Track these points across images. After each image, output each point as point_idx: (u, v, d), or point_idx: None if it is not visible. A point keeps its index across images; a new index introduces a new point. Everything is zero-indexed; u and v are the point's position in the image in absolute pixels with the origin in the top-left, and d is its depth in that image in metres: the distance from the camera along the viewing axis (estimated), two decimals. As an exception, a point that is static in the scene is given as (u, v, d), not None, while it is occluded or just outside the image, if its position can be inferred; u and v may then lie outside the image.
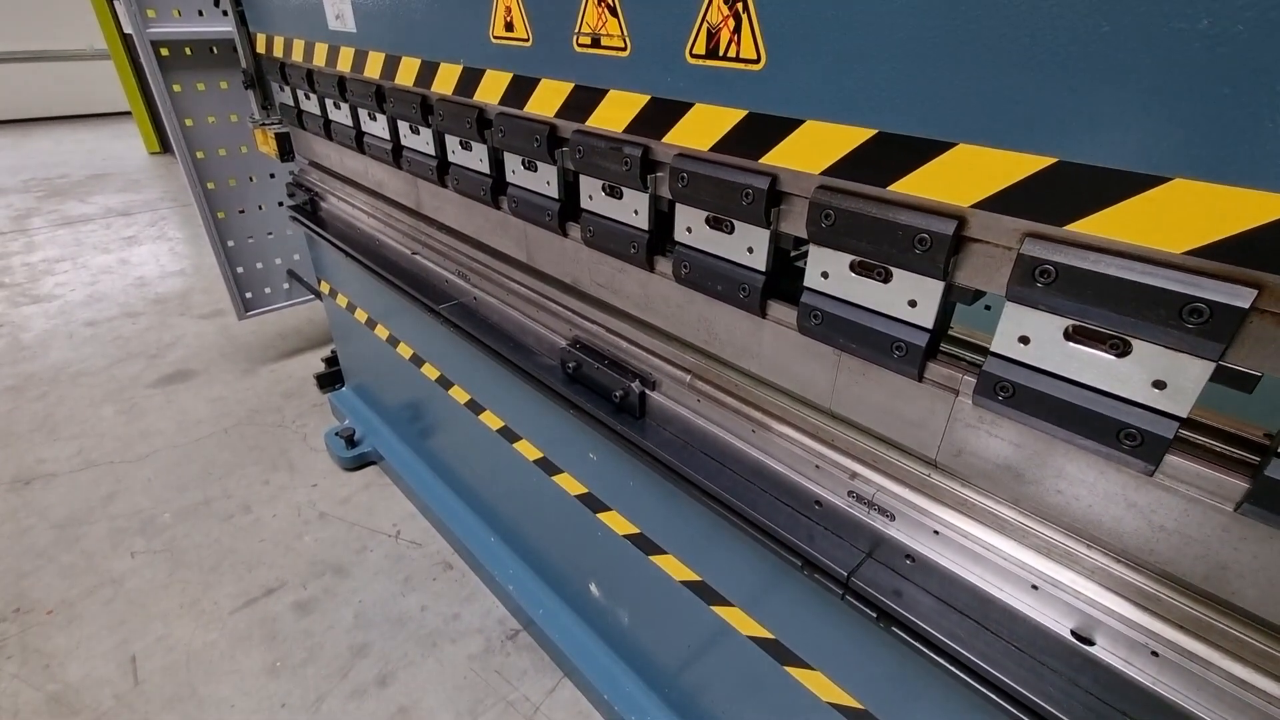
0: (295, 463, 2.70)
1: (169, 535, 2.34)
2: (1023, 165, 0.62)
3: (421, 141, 1.57)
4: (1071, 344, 0.67)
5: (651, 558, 1.44)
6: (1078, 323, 0.66)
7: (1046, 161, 0.61)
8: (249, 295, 3.20)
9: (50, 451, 2.76)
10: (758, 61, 0.80)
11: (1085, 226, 0.60)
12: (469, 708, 1.78)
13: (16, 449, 2.77)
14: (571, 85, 1.06)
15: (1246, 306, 0.54)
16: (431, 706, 1.79)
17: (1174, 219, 0.55)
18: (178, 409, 3.04)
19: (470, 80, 1.27)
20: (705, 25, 0.84)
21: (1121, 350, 0.64)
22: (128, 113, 8.08)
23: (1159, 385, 0.62)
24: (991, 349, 0.73)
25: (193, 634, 1.98)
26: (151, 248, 4.94)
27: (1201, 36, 0.50)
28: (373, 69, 1.55)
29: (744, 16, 0.79)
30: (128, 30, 6.53)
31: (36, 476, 2.62)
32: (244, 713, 1.77)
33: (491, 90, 1.23)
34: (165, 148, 7.78)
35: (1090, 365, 0.66)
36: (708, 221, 0.99)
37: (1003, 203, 0.65)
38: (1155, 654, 0.71)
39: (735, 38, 0.81)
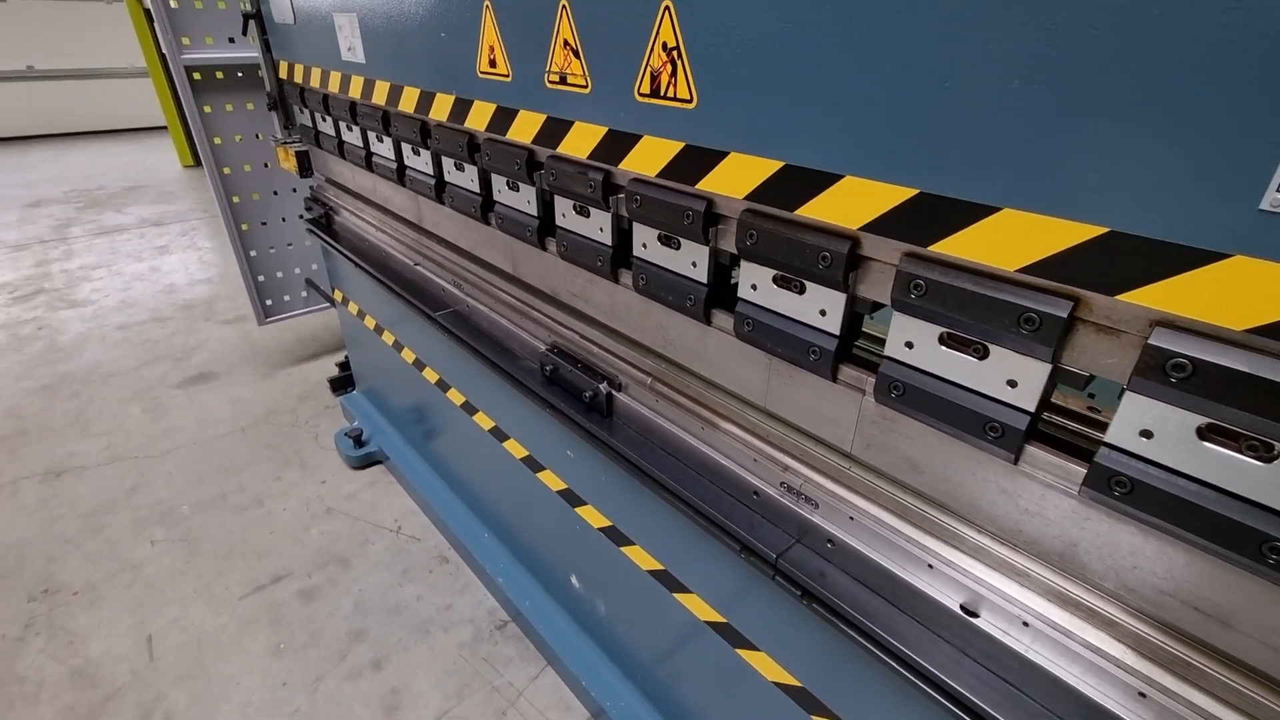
0: (306, 461, 2.86)
1: (186, 526, 2.50)
2: (894, 195, 0.73)
3: (422, 162, 1.71)
4: (944, 348, 0.77)
5: (623, 549, 1.54)
6: (946, 329, 0.76)
7: (911, 192, 0.72)
8: (269, 302, 3.38)
9: (81, 446, 2.94)
10: (690, 101, 0.92)
11: (942, 247, 0.71)
12: (456, 691, 1.89)
13: (50, 443, 2.96)
14: (544, 116, 1.19)
15: (1065, 315, 0.64)
16: (421, 689, 1.90)
17: (1005, 242, 0.66)
18: (199, 408, 3.22)
19: (461, 109, 1.41)
20: (649, 68, 0.96)
21: (982, 353, 0.74)
22: (163, 127, 8.47)
23: (1012, 384, 0.73)
24: (885, 352, 0.84)
25: (205, 617, 2.12)
26: (181, 257, 5.19)
27: (1014, 94, 0.61)
28: (380, 96, 1.70)
29: (678, 63, 0.91)
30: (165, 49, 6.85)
31: (67, 469, 2.80)
32: (249, 690, 1.90)
33: (479, 118, 1.36)
34: (198, 161, 8.12)
35: (959, 366, 0.77)
36: (659, 239, 1.10)
37: (882, 226, 0.76)
38: (1026, 624, 0.81)
39: (673, 80, 0.93)
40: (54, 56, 9.40)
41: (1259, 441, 0.58)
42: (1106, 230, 0.59)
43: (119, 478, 2.75)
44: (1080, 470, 0.71)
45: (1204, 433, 0.61)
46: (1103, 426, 0.83)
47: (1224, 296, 0.54)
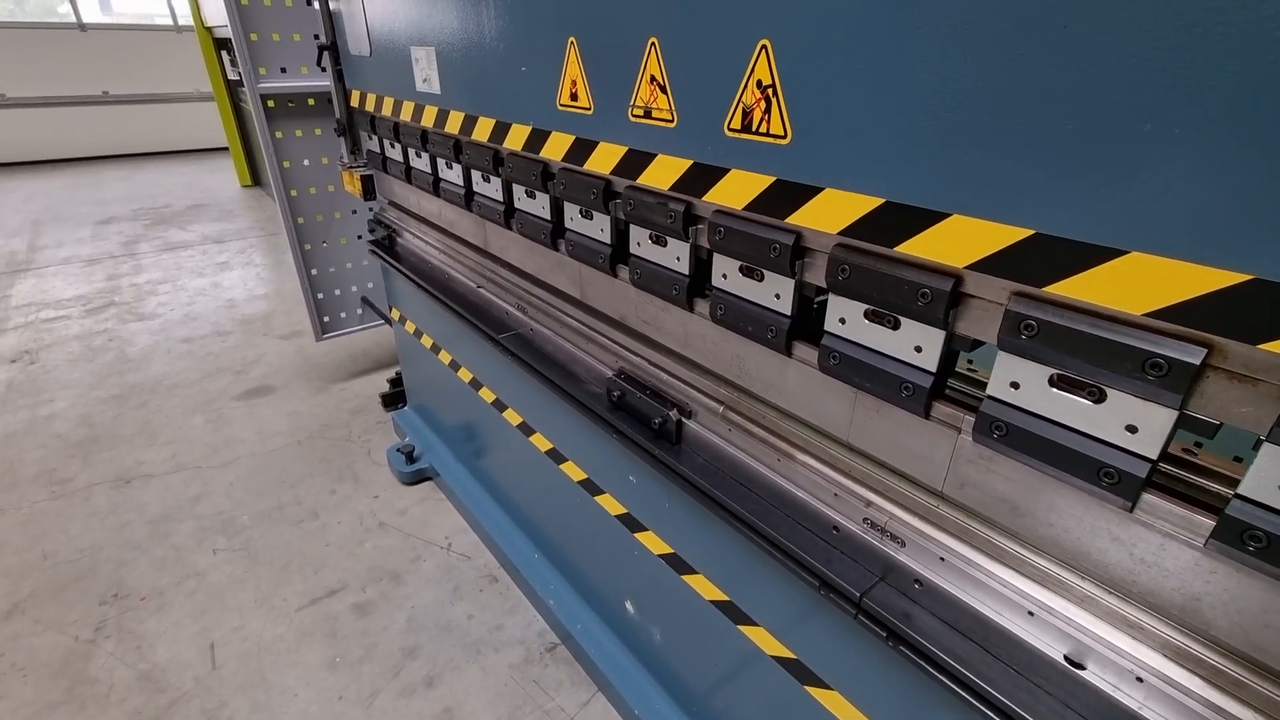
0: (359, 475, 2.92)
1: (246, 536, 2.57)
2: (1006, 235, 0.72)
3: (491, 189, 1.76)
4: (1055, 390, 0.76)
5: (684, 577, 1.53)
6: (1059, 371, 0.74)
7: (1026, 233, 0.71)
8: (326, 319, 3.49)
9: (148, 454, 3.06)
10: (785, 137, 0.93)
11: (1060, 288, 0.70)
12: (508, 713, 1.89)
13: (119, 451, 3.09)
14: (625, 149, 1.22)
15: (1197, 363, 0.62)
16: (474, 709, 1.90)
17: (1133, 285, 0.64)
18: (258, 421, 3.32)
19: (538, 140, 1.44)
20: (741, 105, 0.97)
21: (1098, 397, 0.72)
22: (225, 149, 8.88)
23: (1131, 429, 0.70)
24: (987, 392, 0.82)
25: (264, 627, 2.17)
26: (240, 273, 5.41)
27: (1146, 137, 0.60)
28: (453, 125, 1.76)
29: (774, 100, 0.92)
30: (232, 77, 7.19)
31: (136, 476, 2.91)
32: (306, 701, 1.93)
33: (556, 149, 1.40)
34: (256, 181, 8.49)
35: (1072, 409, 0.75)
36: (741, 270, 1.11)
37: (991, 265, 0.75)
38: (1140, 679, 0.77)
39: (766, 117, 0.94)
40: (127, 82, 9.97)
41: None
42: (1251, 277, 0.57)
43: (183, 486, 2.85)
44: (1207, 522, 0.68)
45: (1355, 489, 0.58)
46: (1219, 476, 0.80)
47: (1386, 350, 0.52)
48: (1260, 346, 0.58)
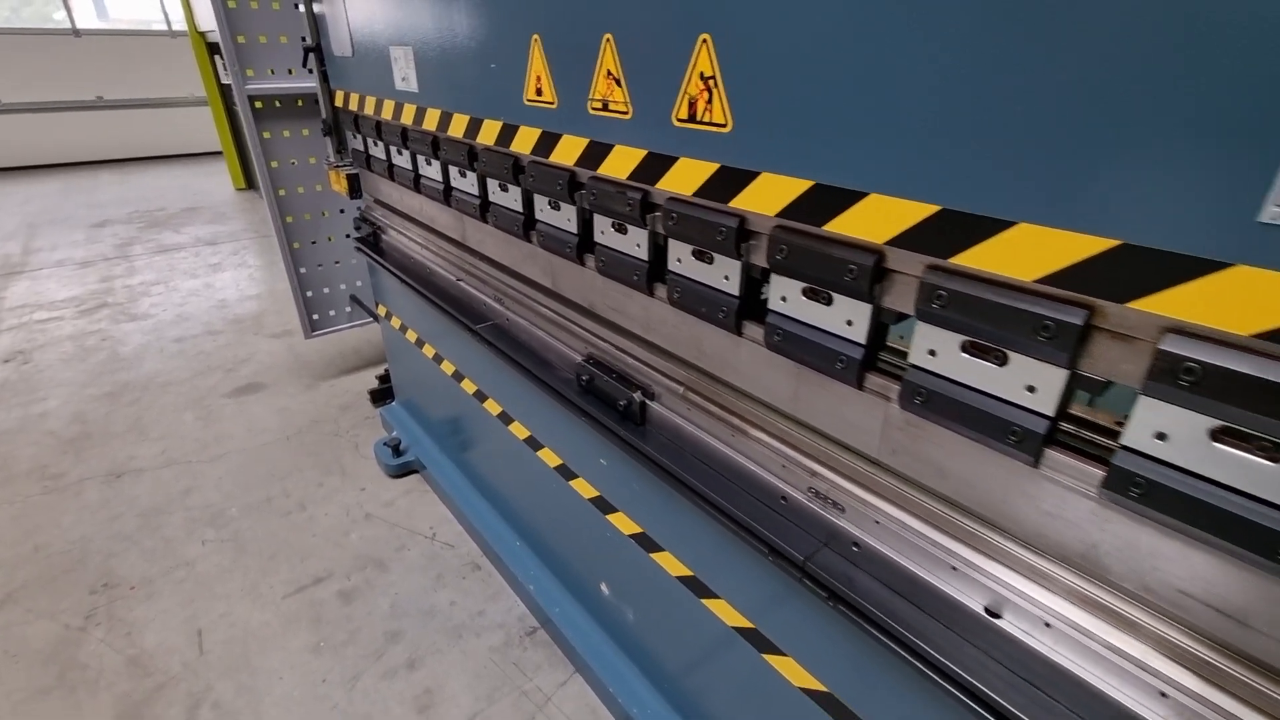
0: (347, 468, 2.97)
1: (235, 527, 2.62)
2: (917, 211, 0.78)
3: (468, 184, 1.82)
4: (965, 355, 0.81)
5: (652, 555, 1.59)
6: (968, 337, 0.80)
7: (933, 209, 0.77)
8: (315, 317, 3.54)
9: (140, 450, 3.11)
10: (725, 125, 0.99)
11: (963, 259, 0.76)
12: (486, 694, 1.94)
13: (112, 446, 3.14)
14: (587, 140, 1.27)
15: (1080, 324, 0.68)
16: (454, 690, 1.95)
17: (1022, 254, 0.70)
18: (248, 417, 3.37)
19: (508, 134, 1.50)
20: (687, 96, 1.03)
21: (1002, 360, 0.78)
22: (219, 153, 8.93)
23: (1031, 389, 0.76)
24: (909, 360, 0.88)
25: (250, 613, 2.22)
26: (233, 274, 5.45)
27: (1027, 119, 0.66)
28: (430, 122, 1.82)
29: (714, 90, 0.98)
30: (225, 81, 7.24)
31: (127, 471, 2.96)
32: (290, 685, 1.98)
33: (524, 143, 1.46)
34: (250, 184, 8.54)
35: (980, 373, 0.80)
36: (694, 254, 1.17)
37: (906, 240, 0.81)
38: (1049, 625, 0.83)
39: (709, 107, 1.00)
40: (121, 87, 10.02)
41: (1269, 442, 0.60)
42: (1119, 243, 0.63)
43: (174, 480, 2.90)
44: (1098, 473, 0.74)
45: (1216, 434, 0.63)
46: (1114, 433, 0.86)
47: (1229, 303, 0.58)
48: (1129, 305, 0.64)
